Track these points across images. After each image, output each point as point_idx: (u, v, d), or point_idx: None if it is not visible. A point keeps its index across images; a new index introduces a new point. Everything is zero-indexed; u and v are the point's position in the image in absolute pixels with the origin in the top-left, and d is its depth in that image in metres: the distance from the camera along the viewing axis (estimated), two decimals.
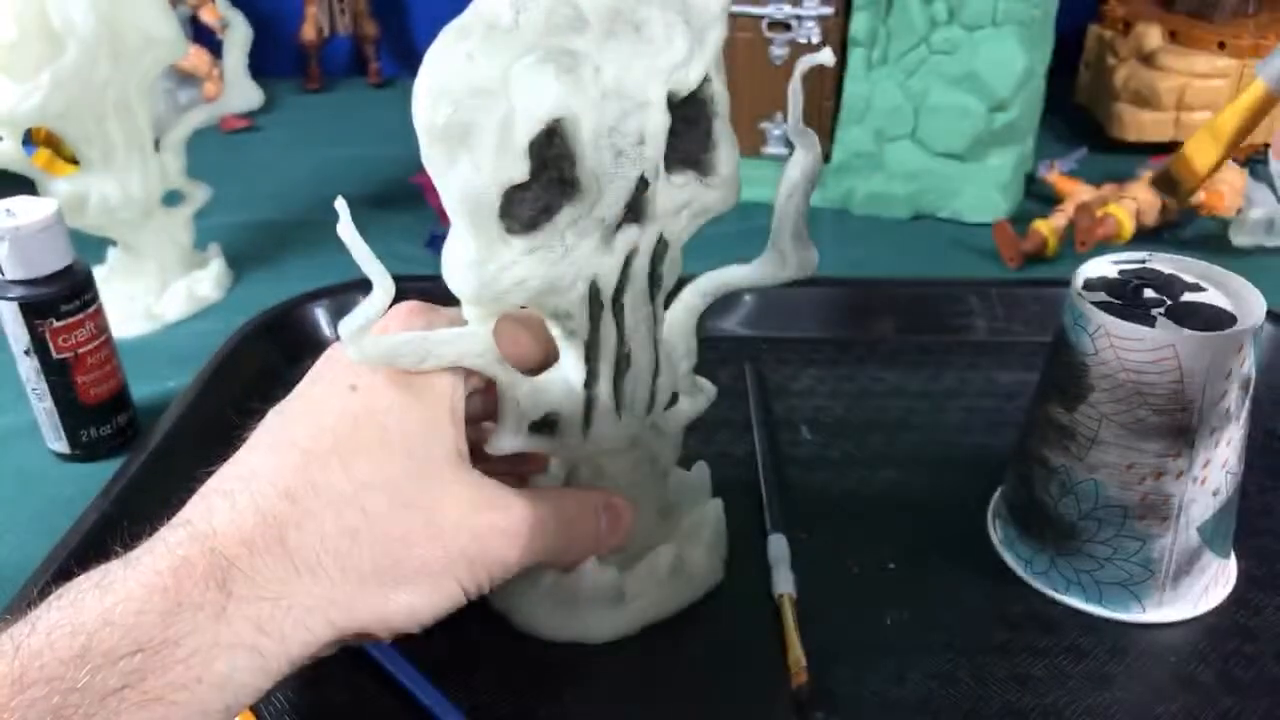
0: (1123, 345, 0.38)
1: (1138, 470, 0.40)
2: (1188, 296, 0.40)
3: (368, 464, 0.33)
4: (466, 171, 0.31)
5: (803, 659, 0.40)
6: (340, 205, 0.31)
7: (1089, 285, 0.41)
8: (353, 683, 0.40)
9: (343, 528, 0.32)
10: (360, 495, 0.32)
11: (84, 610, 0.28)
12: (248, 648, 0.29)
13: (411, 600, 0.33)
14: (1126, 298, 0.40)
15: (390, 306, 0.33)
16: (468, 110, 0.30)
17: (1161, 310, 0.39)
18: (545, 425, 0.38)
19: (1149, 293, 0.41)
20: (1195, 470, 0.39)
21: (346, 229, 0.31)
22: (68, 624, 0.27)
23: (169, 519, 0.48)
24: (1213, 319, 0.39)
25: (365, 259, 0.32)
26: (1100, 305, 0.39)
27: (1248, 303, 0.39)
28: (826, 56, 0.37)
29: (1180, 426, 0.38)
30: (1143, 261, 0.42)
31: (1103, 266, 0.42)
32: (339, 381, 0.35)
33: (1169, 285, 0.41)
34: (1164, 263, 0.42)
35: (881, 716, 0.39)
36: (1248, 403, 0.40)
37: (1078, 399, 0.40)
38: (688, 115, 0.36)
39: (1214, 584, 0.43)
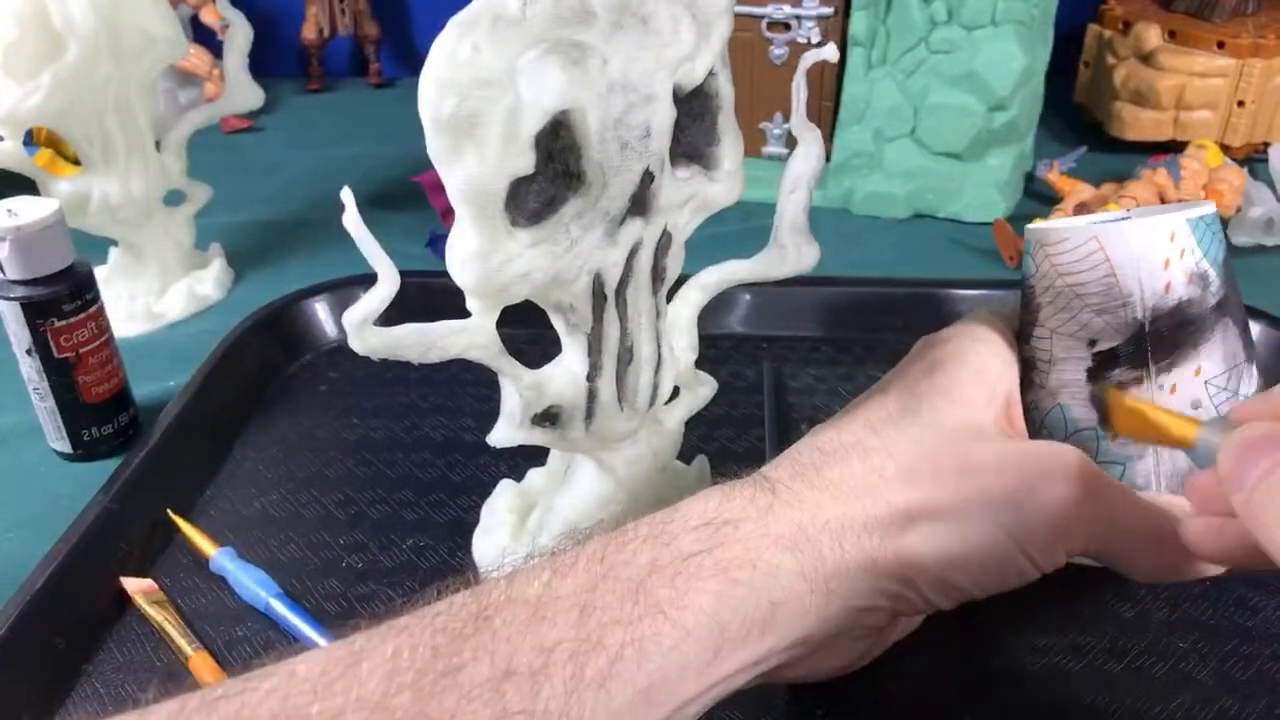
0: (1054, 251, 0.38)
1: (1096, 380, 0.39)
2: None
3: (897, 430, 0.35)
4: (472, 163, 0.31)
5: None
6: (346, 195, 0.31)
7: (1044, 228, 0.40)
8: None
9: (870, 467, 0.34)
10: (889, 446, 0.35)
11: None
12: (789, 547, 0.32)
13: (935, 534, 0.33)
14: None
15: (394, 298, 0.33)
16: (474, 102, 0.30)
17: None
18: (547, 418, 0.38)
19: None
20: (1157, 376, 0.38)
21: (352, 219, 0.31)
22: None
23: (169, 515, 0.48)
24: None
25: (371, 250, 0.32)
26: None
27: (1193, 207, 0.38)
28: (830, 52, 0.38)
29: (1125, 324, 0.37)
30: (1125, 218, 0.41)
31: (1075, 223, 0.41)
32: (874, 389, 0.39)
33: None
34: (1143, 214, 0.41)
35: (882, 713, 0.39)
36: (1219, 307, 0.38)
37: (1031, 325, 0.40)
38: (693, 109, 0.36)
39: None
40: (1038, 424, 0.40)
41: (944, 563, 0.33)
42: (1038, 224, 0.40)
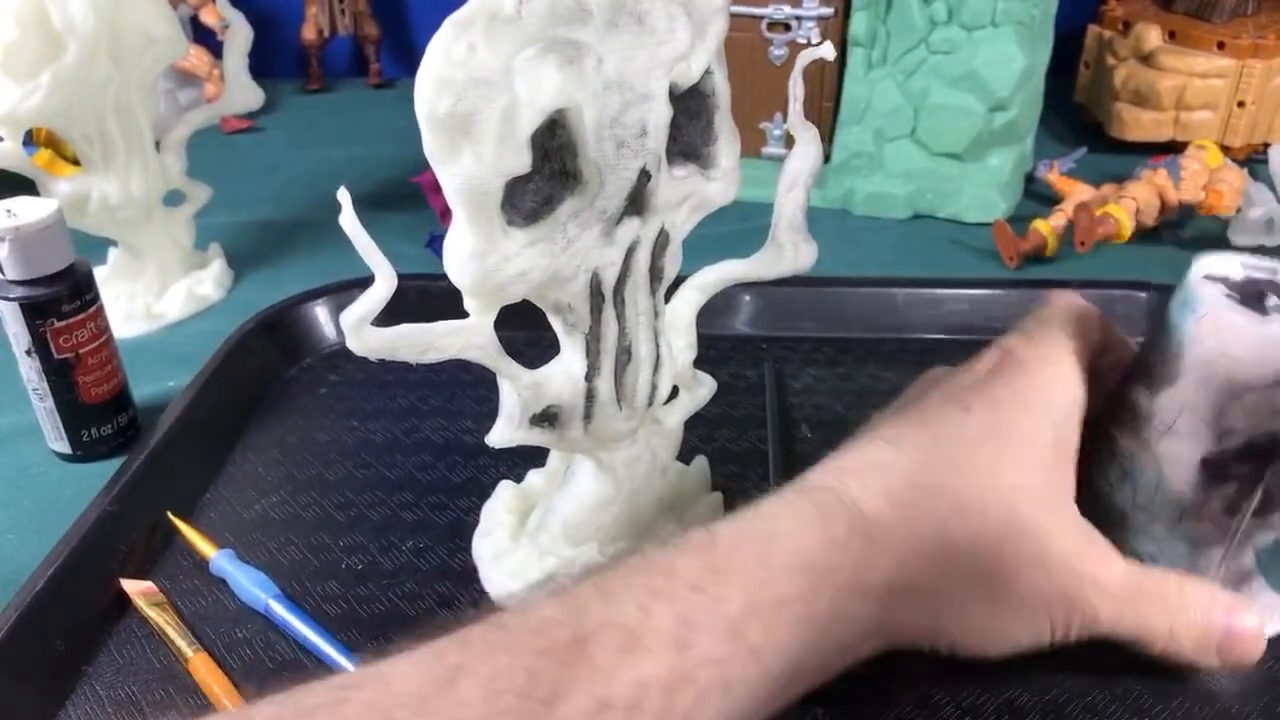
0: (1229, 332, 0.36)
1: (1208, 469, 0.37)
2: None
3: (976, 488, 0.35)
4: (468, 162, 0.31)
5: None
6: (343, 195, 0.31)
7: (1210, 279, 0.38)
8: None
9: (915, 533, 0.34)
10: (930, 510, 0.34)
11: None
12: (874, 600, 0.33)
13: (1011, 626, 0.35)
14: (1245, 298, 0.37)
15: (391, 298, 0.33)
16: (470, 101, 0.30)
17: None
18: (546, 418, 0.38)
19: (1273, 299, 0.38)
20: (1267, 486, 0.37)
21: (348, 219, 0.31)
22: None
23: (169, 516, 0.48)
24: None
25: (367, 249, 0.32)
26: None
27: None
28: (827, 50, 0.37)
29: (1269, 434, 0.36)
30: (1276, 270, 0.39)
31: (1229, 265, 0.39)
32: (951, 399, 0.37)
33: None
34: None
35: (881, 713, 0.39)
36: None
37: (1162, 382, 0.38)
38: (689, 108, 0.36)
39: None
40: (1123, 470, 0.39)
41: (1005, 644, 0.36)
42: (1213, 286, 0.38)
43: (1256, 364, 0.35)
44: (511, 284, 0.33)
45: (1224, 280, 0.38)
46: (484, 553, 0.45)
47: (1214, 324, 0.36)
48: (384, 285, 0.33)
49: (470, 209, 0.32)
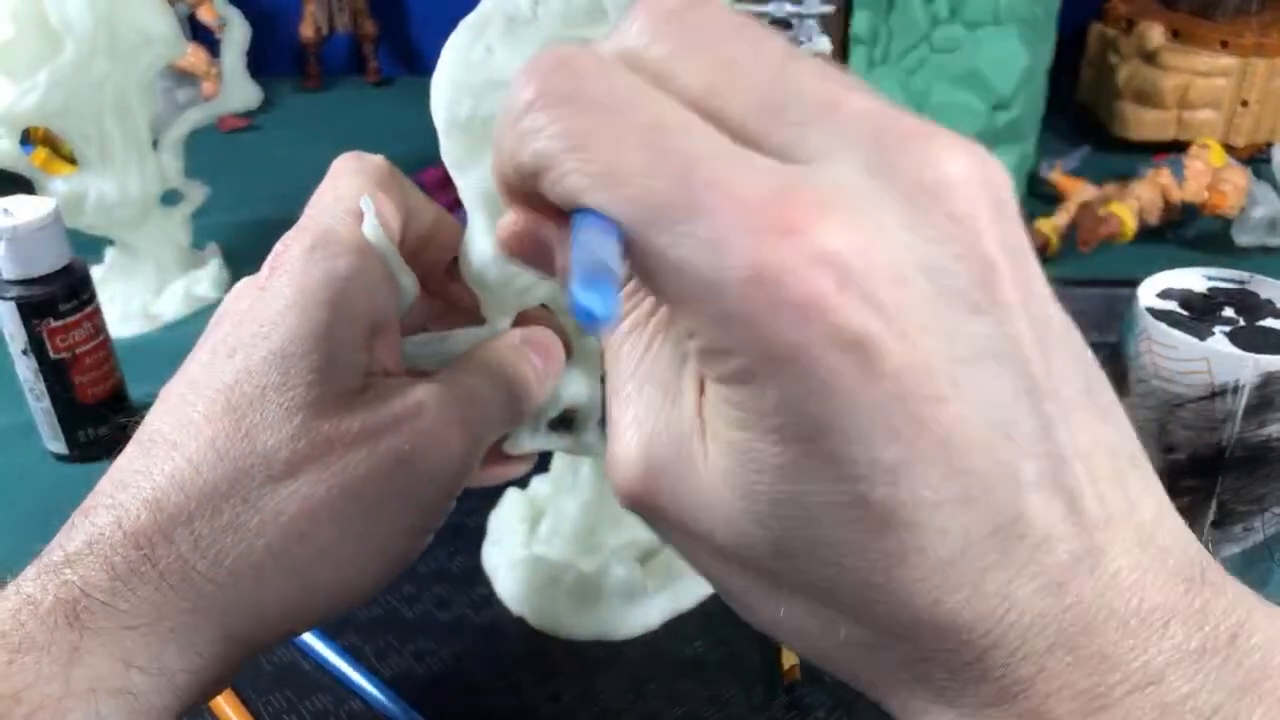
0: (1160, 351, 0.37)
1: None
2: (1269, 323, 0.38)
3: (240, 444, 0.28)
4: (490, 166, 0.30)
5: (795, 656, 0.40)
6: (365, 204, 0.31)
7: (1166, 294, 0.39)
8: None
9: (220, 525, 0.27)
10: (240, 484, 0.27)
11: None
12: (113, 691, 0.24)
13: (340, 581, 0.28)
14: (1199, 312, 0.38)
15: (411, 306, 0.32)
16: (490, 103, 0.29)
17: (1227, 329, 0.37)
18: (563, 422, 0.38)
19: (1228, 311, 0.38)
20: (1220, 494, 0.37)
21: (371, 228, 0.31)
22: None
23: None
24: (1274, 347, 0.36)
25: (391, 258, 0.31)
26: (1164, 313, 0.38)
27: None
28: (823, 44, 0.37)
29: (1206, 445, 0.37)
30: (1243, 282, 0.40)
31: (1190, 278, 0.40)
32: (218, 348, 0.30)
33: (1254, 309, 0.38)
34: (1266, 287, 0.40)
35: (883, 713, 0.38)
36: None
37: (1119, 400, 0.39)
38: None
39: None
40: None
41: (349, 602, 0.29)
42: (1151, 302, 0.39)
43: (1187, 379, 0.36)
44: (532, 288, 0.33)
45: (1181, 296, 0.39)
46: (497, 561, 0.45)
47: (1149, 343, 0.37)
48: (406, 294, 0.32)
49: (492, 213, 0.31)
